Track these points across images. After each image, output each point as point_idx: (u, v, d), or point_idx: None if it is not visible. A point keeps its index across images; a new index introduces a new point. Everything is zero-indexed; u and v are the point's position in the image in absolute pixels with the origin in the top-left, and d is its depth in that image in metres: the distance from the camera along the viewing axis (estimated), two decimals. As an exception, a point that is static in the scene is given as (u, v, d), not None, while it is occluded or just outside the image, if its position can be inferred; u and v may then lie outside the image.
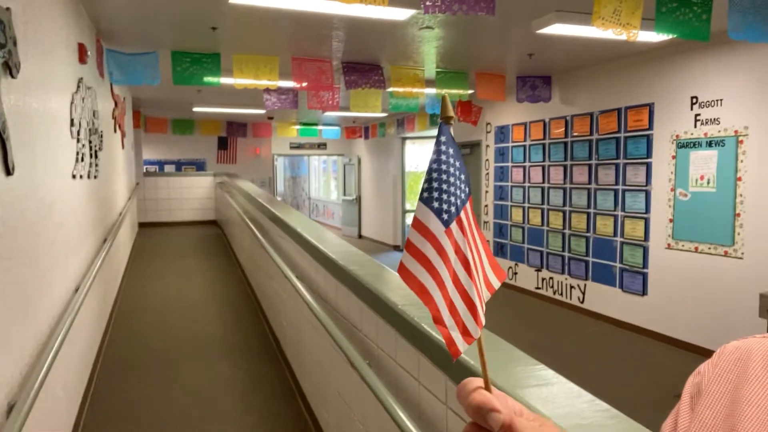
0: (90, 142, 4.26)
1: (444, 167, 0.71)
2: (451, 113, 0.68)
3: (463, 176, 0.73)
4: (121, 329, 5.22)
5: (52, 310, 2.74)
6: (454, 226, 0.71)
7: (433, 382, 1.63)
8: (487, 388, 0.65)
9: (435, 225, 0.71)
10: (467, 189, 0.73)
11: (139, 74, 5.07)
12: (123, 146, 7.64)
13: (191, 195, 12.04)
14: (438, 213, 0.72)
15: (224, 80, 5.45)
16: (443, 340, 0.65)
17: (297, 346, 3.89)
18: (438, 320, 0.69)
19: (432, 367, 1.62)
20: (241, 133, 12.84)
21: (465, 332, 0.70)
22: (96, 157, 4.58)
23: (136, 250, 9.02)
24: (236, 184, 8.43)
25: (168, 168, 13.04)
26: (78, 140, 3.68)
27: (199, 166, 13.13)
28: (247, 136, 12.98)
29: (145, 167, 12.30)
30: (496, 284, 0.74)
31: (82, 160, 3.83)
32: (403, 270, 0.70)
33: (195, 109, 9.74)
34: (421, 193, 0.70)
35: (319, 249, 2.95)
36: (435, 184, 0.71)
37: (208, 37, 4.85)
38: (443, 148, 0.71)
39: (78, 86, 3.77)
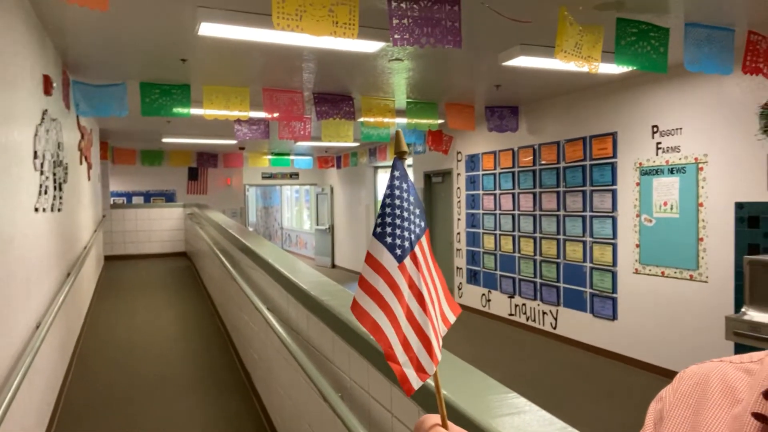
0: (54, 174, 4.16)
1: (397, 202, 0.71)
2: (405, 148, 0.69)
3: (417, 210, 0.72)
4: (84, 367, 5.02)
5: (11, 348, 2.62)
6: (408, 260, 0.71)
7: (406, 413, 1.61)
8: (444, 424, 0.64)
9: (388, 260, 0.70)
10: (422, 223, 0.73)
11: (106, 106, 5.02)
12: (89, 178, 7.49)
13: (160, 227, 11.83)
14: (391, 248, 0.71)
15: (194, 111, 5.43)
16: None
17: (268, 379, 3.80)
18: (390, 357, 0.68)
19: (405, 399, 1.60)
20: (212, 164, 12.75)
21: (419, 368, 0.69)
22: (60, 189, 4.48)
23: (101, 285, 8.76)
24: (207, 215, 8.32)
25: (136, 199, 12.81)
26: (41, 173, 3.60)
27: (169, 198, 12.93)
28: (218, 166, 12.89)
29: (112, 199, 12.06)
30: (452, 318, 0.74)
31: (46, 192, 3.74)
32: (355, 306, 0.69)
33: (164, 140, 9.65)
34: (375, 228, 0.70)
35: (291, 280, 2.91)
36: (388, 219, 0.71)
37: (177, 69, 4.84)
38: (396, 182, 0.71)
39: (42, 118, 3.71)
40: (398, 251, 0.67)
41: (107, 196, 11.20)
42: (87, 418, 3.98)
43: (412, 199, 0.69)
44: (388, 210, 0.68)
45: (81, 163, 6.41)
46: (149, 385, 4.58)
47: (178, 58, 4.57)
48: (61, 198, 4.48)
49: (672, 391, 0.56)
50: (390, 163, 11.12)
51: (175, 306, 7.42)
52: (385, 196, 0.68)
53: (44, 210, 3.69)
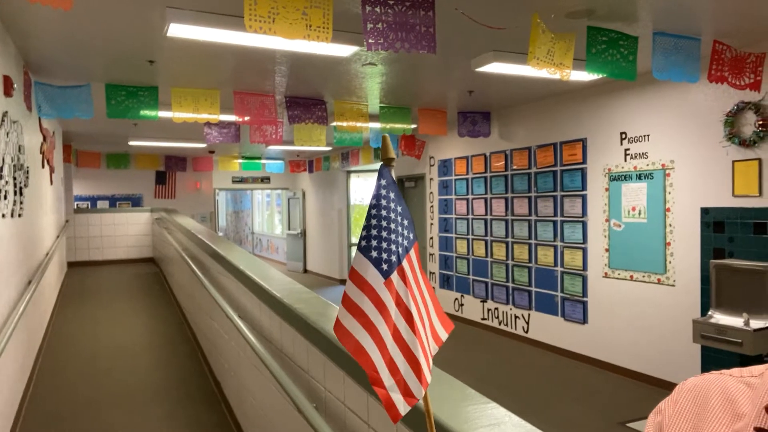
0: (14, 178, 4.01)
1: (384, 213, 0.64)
2: (392, 154, 0.64)
3: (406, 221, 0.66)
4: (47, 379, 4.84)
5: (-35, 362, 2.49)
6: (395, 275, 0.65)
7: (384, 425, 1.57)
8: None
9: (373, 276, 0.64)
10: (411, 235, 0.67)
11: (70, 107, 4.86)
12: (51, 182, 7.25)
13: (126, 232, 11.53)
14: (376, 263, 0.65)
15: (162, 114, 5.30)
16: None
17: (240, 390, 3.71)
18: (376, 382, 0.63)
19: (382, 410, 1.57)
20: (181, 167, 12.51)
21: (407, 392, 0.64)
22: (21, 194, 4.31)
23: (64, 292, 8.48)
24: (175, 220, 8.14)
25: (101, 204, 12.46)
26: (0, 177, 3.45)
27: (135, 202, 12.63)
28: (187, 170, 12.66)
29: (76, 203, 11.71)
30: (444, 336, 0.69)
31: (5, 197, 3.59)
32: (338, 327, 0.63)
33: (131, 143, 9.42)
34: (360, 242, 0.64)
35: (263, 287, 2.85)
36: (374, 232, 0.64)
37: (145, 70, 4.73)
38: (383, 192, 0.65)
39: (2, 120, 3.56)
40: (384, 266, 0.62)
41: (70, 201, 10.87)
42: (49, 430, 3.82)
43: (399, 209, 0.64)
44: (373, 222, 0.63)
45: (43, 166, 6.20)
46: (115, 397, 4.43)
47: (146, 60, 4.45)
48: (21, 203, 4.32)
49: (671, 403, 0.55)
50: (363, 167, 11.12)
51: (142, 314, 7.23)
52: (371, 207, 0.63)
53: (3, 216, 3.54)
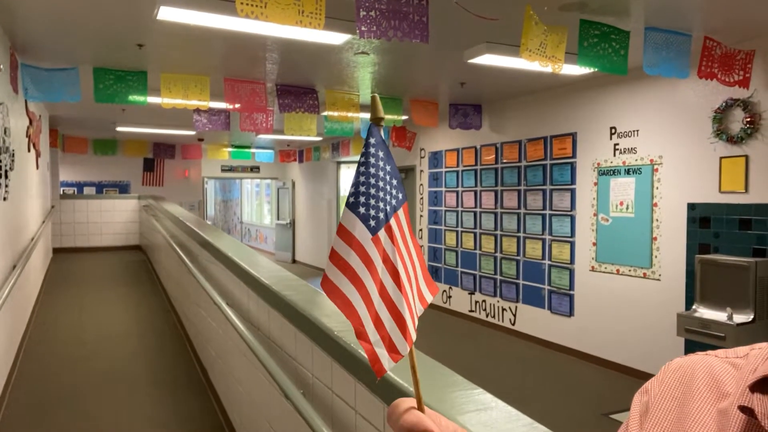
0: (0, 161, 3.95)
1: (372, 170, 0.65)
2: (381, 114, 0.63)
3: (395, 180, 0.66)
4: (31, 365, 4.79)
5: (-52, 345, 2.46)
6: (382, 233, 0.65)
7: (371, 410, 1.58)
8: (420, 408, 0.61)
9: (361, 232, 0.64)
10: (400, 195, 0.67)
11: (57, 91, 4.78)
12: (37, 167, 7.16)
13: (113, 219, 11.42)
14: (364, 219, 0.65)
15: (151, 99, 5.24)
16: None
17: (226, 377, 3.71)
18: (361, 335, 0.63)
19: (369, 395, 1.57)
20: (169, 155, 12.39)
21: (392, 348, 0.64)
22: (6, 177, 4.25)
23: (50, 278, 8.40)
24: (163, 208, 8.07)
25: (88, 190, 12.33)
26: (-15, 158, 3.40)
27: (123, 189, 12.50)
28: (176, 157, 12.54)
29: (62, 189, 11.57)
30: (429, 298, 0.69)
31: (-10, 180, 3.54)
32: (326, 282, 0.64)
33: (119, 129, 9.31)
34: (348, 198, 0.64)
35: (251, 274, 2.84)
36: (362, 188, 0.65)
37: (134, 54, 4.66)
38: (372, 150, 0.65)
39: (-13, 101, 3.50)
40: (372, 222, 0.62)
41: (56, 186, 10.74)
42: (33, 417, 3.79)
43: (389, 168, 0.64)
44: (362, 179, 0.63)
45: (29, 150, 6.11)
46: (100, 383, 4.41)
47: (135, 44, 4.39)
48: (6, 186, 4.26)
49: (657, 383, 0.55)
50: (354, 158, 11.09)
51: (128, 301, 7.18)
52: (360, 164, 0.63)
53: (-13, 198, 3.49)
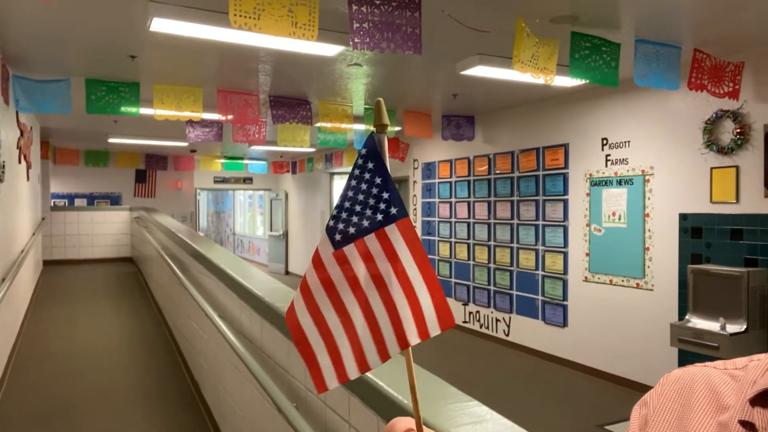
0: (-11, 172, 3.91)
1: (354, 183, 0.58)
2: (386, 120, 0.59)
3: (385, 194, 0.59)
4: (20, 379, 4.72)
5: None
6: (350, 249, 0.59)
7: (365, 422, 1.56)
8: (419, 428, 0.59)
9: (323, 246, 0.60)
10: (393, 209, 0.59)
11: (48, 102, 4.76)
12: (28, 178, 7.11)
13: (104, 231, 11.34)
14: (330, 232, 0.60)
15: (143, 111, 5.23)
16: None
17: (218, 390, 3.67)
18: (307, 357, 0.61)
19: (363, 408, 1.55)
20: (162, 166, 12.36)
21: (339, 368, 0.61)
22: (-4, 188, 4.21)
23: (40, 291, 8.31)
24: (154, 219, 8.03)
25: (79, 202, 12.24)
26: (-26, 170, 3.37)
27: (114, 200, 12.43)
28: (168, 169, 12.51)
29: (53, 201, 11.49)
30: (434, 330, 0.62)
31: (-21, 191, 3.50)
32: (290, 312, 0.60)
33: (111, 140, 9.27)
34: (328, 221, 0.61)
35: (244, 286, 2.82)
36: (339, 202, 0.60)
37: (126, 66, 4.66)
38: (360, 161, 0.59)
39: (-23, 112, 3.48)
40: (337, 236, 0.58)
41: (47, 198, 10.66)
42: (24, 431, 3.73)
43: (378, 180, 0.59)
44: (343, 192, 0.60)
45: (20, 162, 6.07)
46: (90, 398, 4.34)
47: (127, 55, 4.39)
48: (-4, 198, 4.22)
49: (656, 395, 0.55)
50: (347, 169, 11.09)
51: (120, 313, 7.11)
52: (350, 177, 0.59)
53: (-24, 210, 3.45)
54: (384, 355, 0.58)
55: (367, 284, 0.59)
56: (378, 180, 0.59)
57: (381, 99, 0.60)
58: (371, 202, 0.59)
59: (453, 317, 0.62)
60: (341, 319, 0.60)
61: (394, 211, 0.60)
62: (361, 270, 0.58)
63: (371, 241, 0.59)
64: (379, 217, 0.59)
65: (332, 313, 0.58)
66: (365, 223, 0.58)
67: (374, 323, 0.59)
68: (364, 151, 0.59)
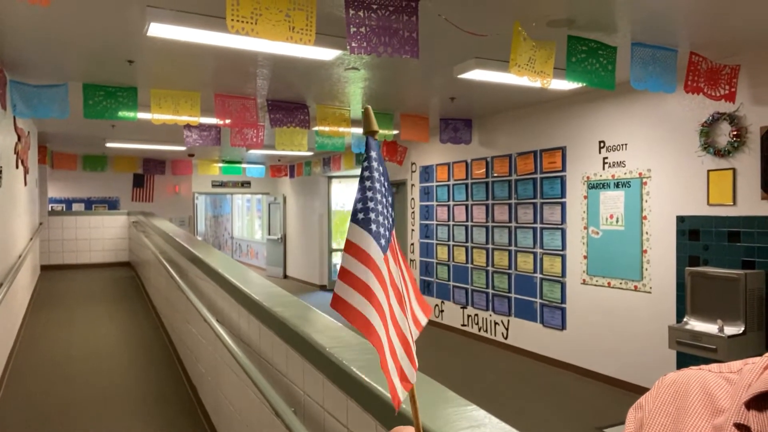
0: (-14, 177, 3.91)
1: (377, 186, 0.59)
2: (375, 127, 0.60)
3: (390, 198, 0.63)
4: (17, 385, 4.71)
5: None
6: (389, 253, 0.61)
7: (363, 427, 1.56)
8: None
9: (375, 251, 0.59)
10: (393, 214, 0.65)
11: (46, 107, 4.76)
12: (26, 183, 7.10)
13: (102, 235, 11.32)
14: (376, 237, 0.60)
15: (141, 115, 5.23)
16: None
17: (216, 394, 3.66)
18: (384, 366, 0.59)
19: (362, 412, 1.55)
20: (159, 171, 12.35)
21: (403, 377, 0.61)
22: (-7, 194, 4.21)
23: (37, 296, 8.29)
24: (153, 224, 8.02)
25: (77, 206, 12.22)
26: (-28, 175, 3.36)
27: (112, 205, 12.41)
28: (166, 173, 12.50)
29: (50, 206, 11.47)
30: (423, 321, 0.65)
31: (-24, 197, 3.50)
32: (339, 302, 0.58)
33: (108, 145, 9.27)
34: (355, 214, 0.59)
35: (242, 290, 2.82)
36: (371, 204, 0.59)
37: (124, 71, 4.66)
38: (375, 164, 0.60)
39: (-26, 117, 3.47)
40: (383, 241, 0.59)
41: (45, 203, 10.64)
42: (17, 439, 3.71)
43: (386, 185, 0.61)
44: (369, 194, 0.59)
45: (17, 167, 6.06)
46: (88, 402, 4.33)
47: (125, 60, 4.39)
48: (-7, 203, 4.21)
49: (652, 398, 0.55)
50: (345, 173, 11.10)
51: (117, 318, 7.09)
52: (364, 179, 0.59)
53: (-26, 216, 3.45)
54: (414, 347, 0.61)
55: (399, 283, 0.60)
56: (386, 185, 0.61)
57: (369, 106, 0.60)
58: (389, 207, 0.60)
59: (429, 306, 0.65)
60: (393, 323, 0.60)
61: (393, 215, 0.62)
62: (395, 271, 0.60)
63: (394, 243, 0.61)
64: (391, 220, 0.61)
65: (388, 318, 0.58)
66: (388, 225, 0.59)
67: (409, 320, 0.61)
68: (374, 154, 0.60)
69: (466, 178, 7.49)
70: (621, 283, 5.37)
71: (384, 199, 0.60)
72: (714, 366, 0.54)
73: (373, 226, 0.58)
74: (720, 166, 4.48)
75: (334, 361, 1.71)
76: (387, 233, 0.58)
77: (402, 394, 0.59)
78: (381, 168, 0.59)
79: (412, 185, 8.69)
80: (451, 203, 7.78)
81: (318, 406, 1.87)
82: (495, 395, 5.26)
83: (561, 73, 3.72)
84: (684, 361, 4.67)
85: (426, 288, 8.36)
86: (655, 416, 0.53)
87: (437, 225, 8.10)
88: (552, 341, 6.19)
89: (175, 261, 5.38)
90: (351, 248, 0.59)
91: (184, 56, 4.32)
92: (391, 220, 0.61)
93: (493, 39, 3.73)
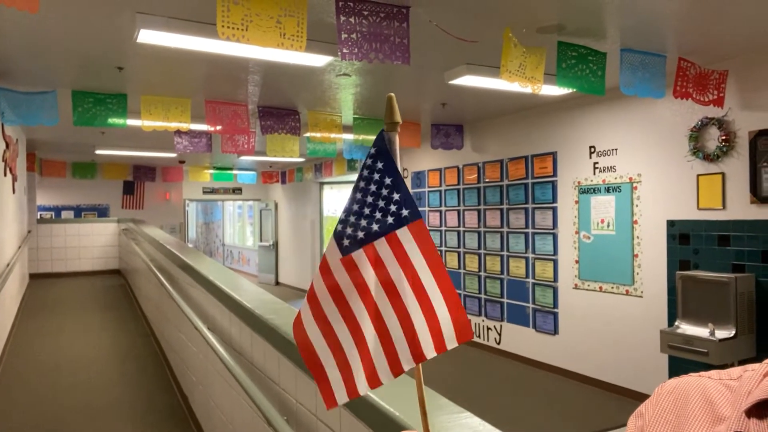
0: (-27, 185, 3.86)
1: (362, 184, 0.56)
2: (398, 118, 0.56)
3: (396, 195, 0.57)
4: (5, 394, 4.64)
5: None
6: (359, 254, 0.56)
7: (356, 437, 1.54)
8: None
9: (332, 254, 0.56)
10: (405, 211, 0.56)
11: (35, 114, 4.71)
12: (14, 191, 7.03)
13: (92, 243, 11.23)
14: (338, 237, 0.56)
15: (131, 122, 5.20)
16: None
17: (208, 403, 3.62)
18: (313, 368, 0.58)
19: (354, 420, 1.54)
20: (150, 177, 12.28)
21: (371, 373, 0.58)
22: (-20, 202, 4.16)
23: (26, 305, 8.19)
24: (143, 231, 7.96)
25: (66, 214, 12.12)
26: (-42, 183, 3.32)
27: (101, 212, 12.32)
28: (156, 180, 12.43)
29: (39, 214, 11.36)
30: (451, 343, 0.61)
31: (-37, 205, 3.45)
32: (296, 322, 0.56)
33: (98, 152, 9.21)
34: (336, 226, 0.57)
35: (233, 297, 2.79)
36: (347, 205, 0.56)
37: (113, 77, 4.63)
38: (369, 161, 0.56)
39: (-39, 124, 3.44)
40: (345, 242, 0.55)
41: (34, 211, 10.54)
42: (4, 451, 3.65)
43: (388, 180, 0.56)
44: (352, 194, 0.56)
45: (5, 174, 6.00)
46: (77, 412, 4.27)
47: (115, 66, 4.36)
48: (-20, 211, 4.16)
49: (652, 406, 0.54)
50: (336, 179, 11.09)
51: (107, 327, 7.02)
52: (357, 179, 0.56)
53: (-40, 224, 3.40)
54: (397, 370, 0.56)
55: (378, 292, 0.56)
56: (388, 180, 0.56)
57: (392, 95, 0.57)
58: (381, 204, 0.56)
59: (471, 329, 0.60)
60: (351, 330, 0.56)
61: (405, 213, 0.57)
62: (370, 277, 0.55)
63: (381, 245, 0.56)
64: (390, 219, 0.56)
65: (341, 324, 0.54)
66: (375, 226, 0.55)
67: (386, 334, 0.56)
68: (373, 150, 0.56)
69: (458, 184, 7.51)
70: (612, 288, 5.39)
71: (372, 198, 0.56)
72: (713, 372, 0.54)
73: (339, 226, 0.55)
74: (709, 171, 4.52)
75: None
76: (360, 233, 0.54)
77: (341, 398, 0.56)
78: (379, 164, 0.56)
79: (404, 191, 8.69)
80: (443, 209, 7.78)
81: (311, 414, 1.86)
82: (488, 401, 5.25)
83: (551, 78, 3.74)
84: (676, 364, 4.69)
85: (418, 294, 8.34)
86: (655, 424, 0.53)
87: (429, 231, 8.09)
88: (544, 346, 6.19)
89: (165, 268, 5.34)
90: (321, 261, 0.57)
91: (175, 63, 4.30)
92: (391, 219, 0.57)
93: (484, 45, 3.75)
